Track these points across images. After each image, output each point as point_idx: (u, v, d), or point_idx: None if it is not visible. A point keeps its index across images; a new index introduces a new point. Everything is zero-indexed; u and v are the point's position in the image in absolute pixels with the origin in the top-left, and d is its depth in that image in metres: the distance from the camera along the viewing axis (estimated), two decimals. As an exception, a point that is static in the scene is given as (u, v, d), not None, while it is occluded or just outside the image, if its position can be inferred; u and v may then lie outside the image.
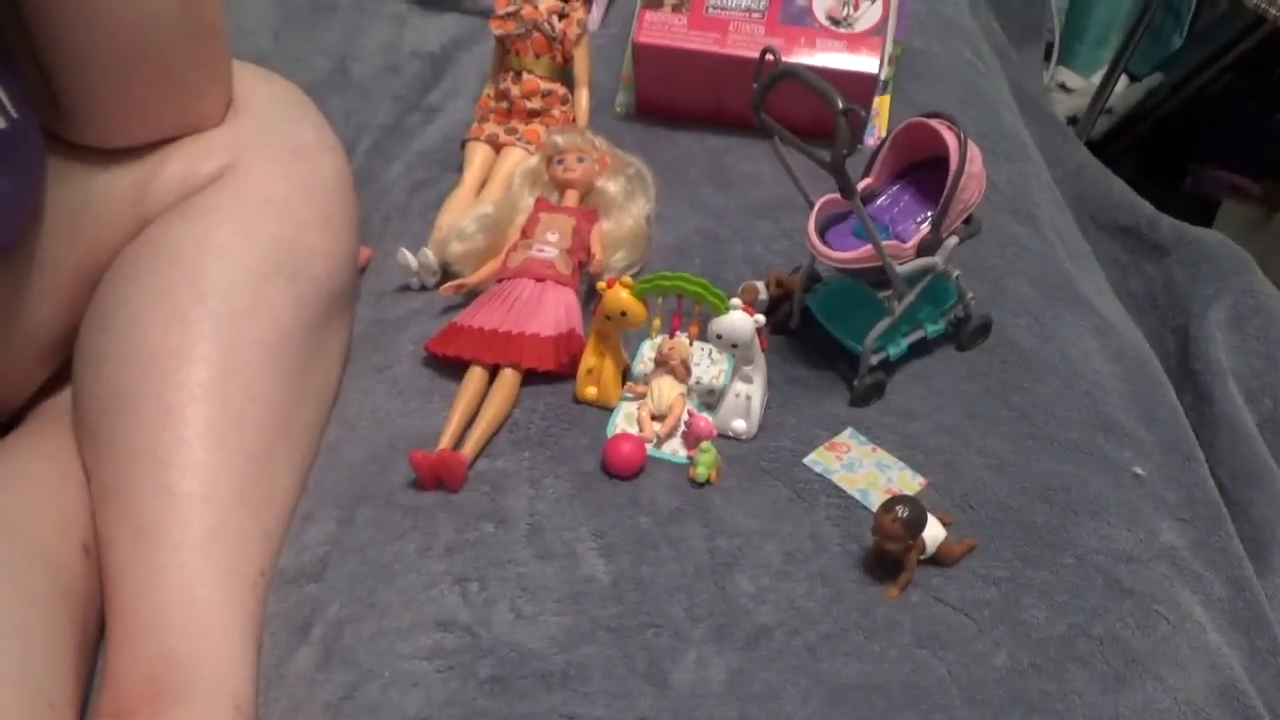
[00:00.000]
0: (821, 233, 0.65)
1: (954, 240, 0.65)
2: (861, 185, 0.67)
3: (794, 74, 0.57)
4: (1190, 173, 1.60)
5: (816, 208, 0.64)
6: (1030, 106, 1.05)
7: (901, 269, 0.63)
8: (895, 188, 0.68)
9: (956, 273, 0.66)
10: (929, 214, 0.66)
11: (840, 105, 0.54)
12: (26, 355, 0.66)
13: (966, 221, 0.65)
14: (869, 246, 0.61)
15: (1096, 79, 1.62)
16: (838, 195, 0.64)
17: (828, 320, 0.67)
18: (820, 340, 0.68)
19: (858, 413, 0.66)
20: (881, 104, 0.88)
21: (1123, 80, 1.60)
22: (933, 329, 0.68)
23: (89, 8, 0.59)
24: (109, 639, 0.58)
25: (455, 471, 0.61)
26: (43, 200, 0.62)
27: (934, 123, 0.63)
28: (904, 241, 0.63)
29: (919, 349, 0.69)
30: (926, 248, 0.63)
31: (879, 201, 0.68)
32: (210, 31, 0.65)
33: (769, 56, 0.59)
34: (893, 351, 0.67)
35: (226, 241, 0.65)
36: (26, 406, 0.69)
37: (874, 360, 0.66)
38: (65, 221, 0.64)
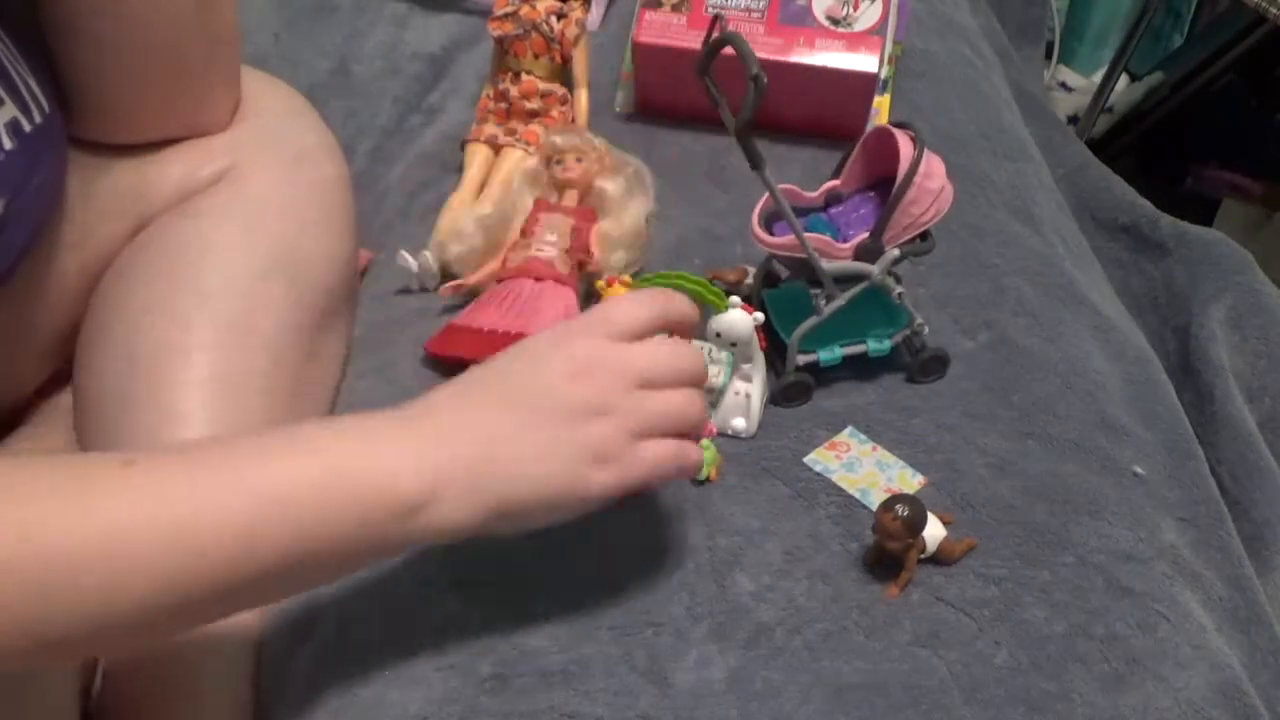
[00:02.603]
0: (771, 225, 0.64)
1: (895, 253, 0.62)
2: (827, 187, 0.66)
3: (729, 40, 0.56)
4: (1190, 172, 1.60)
5: (763, 201, 0.64)
6: (1030, 106, 1.05)
7: (829, 267, 0.62)
8: (861, 197, 0.67)
9: (899, 290, 0.64)
10: None
11: (755, 70, 0.54)
12: (26, 354, 0.66)
13: (923, 238, 0.64)
14: (791, 236, 0.61)
15: (1097, 78, 1.62)
16: (796, 189, 0.63)
17: (776, 316, 0.66)
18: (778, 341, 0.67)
19: (858, 411, 0.66)
20: (881, 104, 0.88)
21: (1123, 79, 1.60)
22: (875, 347, 0.66)
23: (123, 3, 0.59)
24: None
25: (455, 471, 0.61)
26: (64, 195, 0.62)
27: (896, 132, 0.62)
28: (846, 241, 0.63)
29: (861, 365, 0.67)
30: (863, 253, 0.62)
31: (840, 207, 0.67)
32: (224, 33, 0.66)
33: (718, 23, 0.58)
34: (824, 357, 0.65)
35: (227, 242, 0.65)
36: (27, 407, 0.69)
37: (800, 360, 0.65)
38: (67, 219, 0.64)
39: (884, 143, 0.64)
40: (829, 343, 0.66)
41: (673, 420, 0.50)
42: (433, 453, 0.45)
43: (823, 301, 0.63)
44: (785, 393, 0.66)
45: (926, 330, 0.67)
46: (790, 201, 0.64)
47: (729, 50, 0.56)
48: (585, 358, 0.48)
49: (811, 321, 0.64)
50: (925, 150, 0.61)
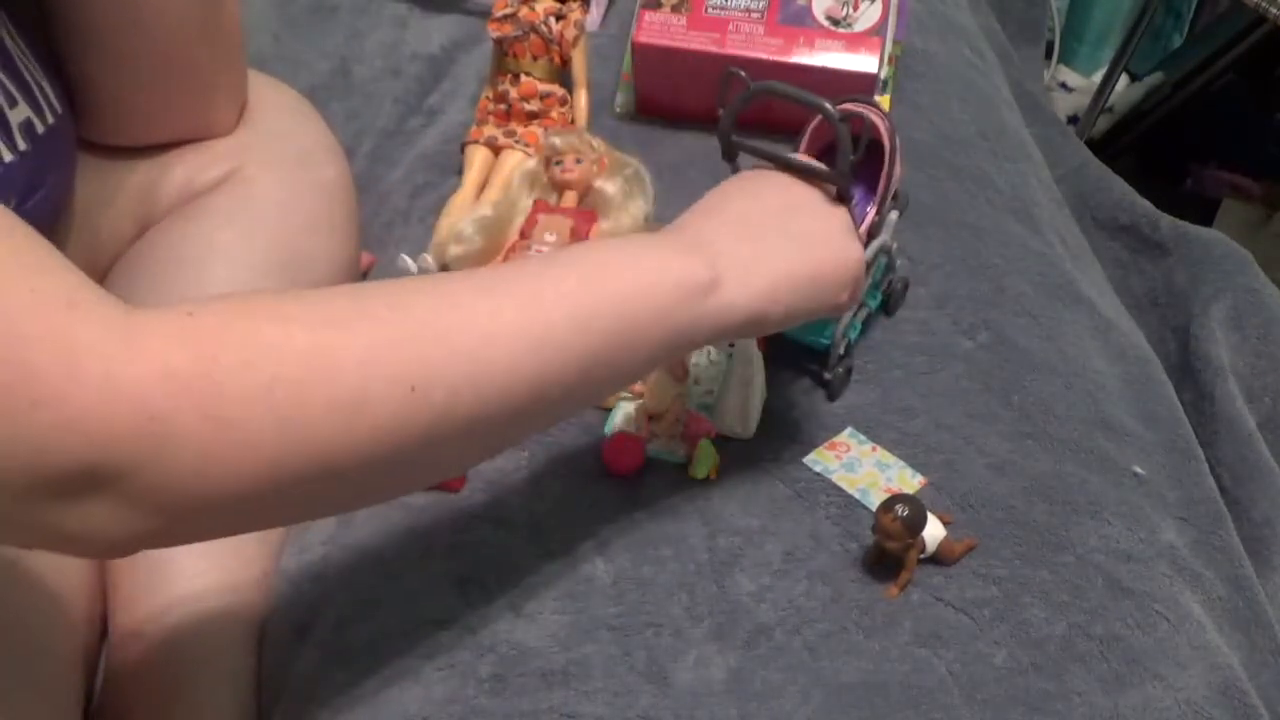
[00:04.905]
0: None
1: (894, 215, 0.65)
2: None
3: (774, 91, 0.54)
4: (1190, 172, 1.60)
5: None
6: (1030, 106, 1.05)
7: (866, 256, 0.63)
8: None
9: (895, 244, 0.68)
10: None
11: (834, 111, 0.53)
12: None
13: (895, 196, 0.65)
14: None
15: (1097, 78, 1.62)
16: None
17: None
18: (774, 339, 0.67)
19: (857, 412, 0.66)
20: (881, 103, 0.88)
21: (1123, 79, 1.60)
22: (873, 303, 0.69)
23: (130, 6, 0.59)
24: (112, 638, 0.59)
25: (455, 471, 0.61)
26: (72, 195, 0.62)
27: (859, 107, 0.61)
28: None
29: (861, 365, 0.69)
30: (875, 230, 0.63)
31: None
32: (229, 37, 0.66)
33: (735, 76, 0.55)
34: (852, 336, 0.67)
35: (229, 243, 0.65)
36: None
37: (841, 349, 0.66)
38: (73, 220, 0.64)
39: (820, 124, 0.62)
40: (852, 322, 0.66)
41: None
42: (705, 250, 0.49)
43: (861, 289, 0.64)
44: (843, 383, 0.67)
45: (898, 257, 0.69)
46: None
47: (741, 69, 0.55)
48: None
49: (852, 311, 0.65)
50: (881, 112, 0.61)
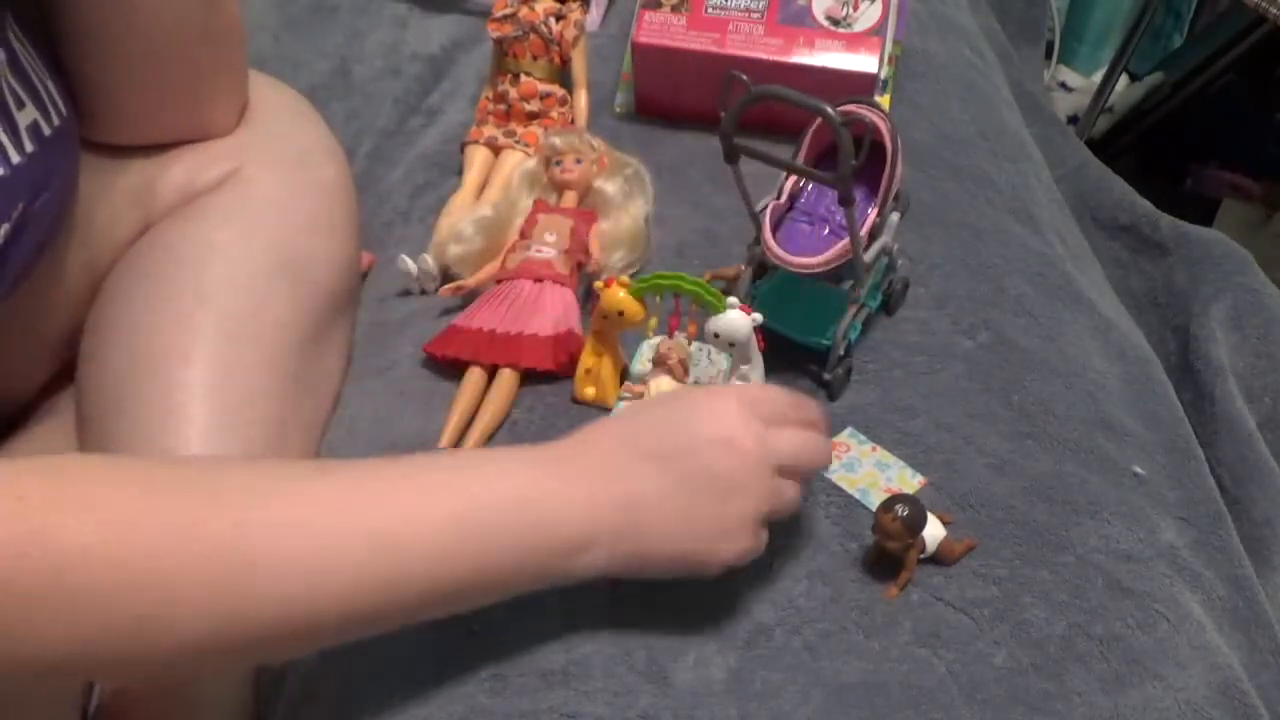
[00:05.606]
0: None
1: (895, 217, 0.64)
2: (789, 186, 0.67)
3: (775, 95, 0.54)
4: (1190, 172, 1.60)
5: (766, 218, 0.64)
6: (1030, 106, 1.05)
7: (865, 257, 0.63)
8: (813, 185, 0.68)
9: (895, 245, 0.67)
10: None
11: (835, 116, 0.53)
12: (31, 353, 0.66)
13: (896, 197, 0.66)
14: (840, 246, 0.62)
15: (1097, 78, 1.62)
16: (780, 201, 0.64)
17: (775, 320, 0.66)
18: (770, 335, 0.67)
19: (857, 412, 0.66)
20: (881, 104, 0.88)
21: (1123, 79, 1.60)
22: (873, 303, 0.69)
23: (129, 7, 0.59)
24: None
25: (455, 472, 0.61)
26: (75, 196, 0.62)
27: (860, 109, 0.62)
28: (843, 229, 0.63)
29: (860, 365, 0.69)
30: (876, 230, 0.63)
31: (802, 199, 0.67)
32: (231, 36, 0.66)
33: (736, 79, 0.55)
34: (852, 336, 0.67)
35: (229, 243, 0.65)
36: (30, 406, 0.69)
37: (841, 350, 0.66)
38: (75, 219, 0.64)
39: (821, 124, 0.63)
40: (824, 325, 0.66)
41: (791, 510, 0.53)
42: (595, 500, 0.48)
43: (860, 290, 0.65)
44: (843, 384, 0.67)
45: (899, 258, 0.69)
46: (773, 213, 0.64)
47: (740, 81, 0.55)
48: (735, 431, 0.50)
49: (853, 312, 0.65)
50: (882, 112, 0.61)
